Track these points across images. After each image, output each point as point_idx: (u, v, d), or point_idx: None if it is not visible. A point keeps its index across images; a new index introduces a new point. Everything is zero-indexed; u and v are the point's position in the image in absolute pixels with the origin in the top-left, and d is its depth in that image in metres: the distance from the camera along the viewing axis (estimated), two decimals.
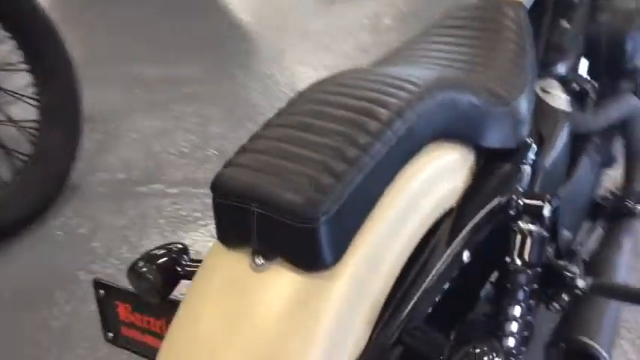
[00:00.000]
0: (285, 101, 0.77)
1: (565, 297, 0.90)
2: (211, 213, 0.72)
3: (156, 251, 0.92)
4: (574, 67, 1.24)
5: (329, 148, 0.67)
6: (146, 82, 2.78)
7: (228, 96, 2.66)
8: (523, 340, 0.83)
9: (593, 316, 0.90)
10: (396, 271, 0.71)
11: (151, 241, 1.89)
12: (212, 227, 0.95)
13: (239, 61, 2.97)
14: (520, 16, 1.05)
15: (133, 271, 0.88)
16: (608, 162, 1.39)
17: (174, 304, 0.86)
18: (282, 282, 0.65)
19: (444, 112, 0.76)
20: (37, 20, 2.01)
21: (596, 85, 1.25)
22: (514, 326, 0.82)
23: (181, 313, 0.71)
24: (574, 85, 1.26)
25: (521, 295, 0.84)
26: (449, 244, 0.77)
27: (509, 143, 0.88)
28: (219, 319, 0.66)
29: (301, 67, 2.87)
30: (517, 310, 0.82)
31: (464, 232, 0.78)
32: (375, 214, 0.68)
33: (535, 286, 0.85)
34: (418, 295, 0.73)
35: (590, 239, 1.23)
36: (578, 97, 1.27)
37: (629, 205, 1.28)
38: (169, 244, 0.92)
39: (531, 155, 0.91)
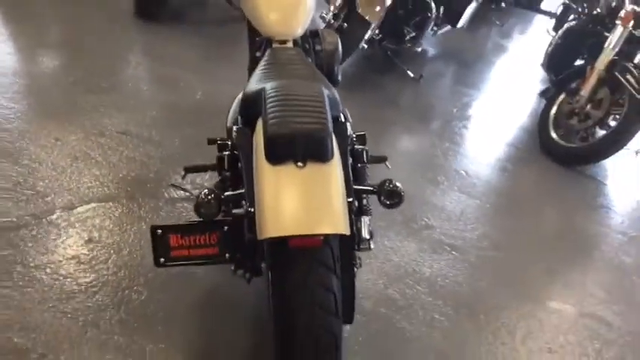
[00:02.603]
0: None
1: None
2: None
3: (206, 190, 1.59)
4: None
5: (314, 109, 1.55)
6: None
7: None
8: None
9: None
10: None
11: None
12: None
13: None
14: (301, 54, 2.07)
15: (201, 203, 1.55)
16: None
17: (215, 223, 1.61)
18: (313, 170, 1.51)
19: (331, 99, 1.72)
20: None
21: None
22: None
23: (265, 194, 1.46)
24: None
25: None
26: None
27: (339, 112, 1.87)
28: (291, 192, 1.48)
29: None
30: None
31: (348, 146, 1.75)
32: None
33: None
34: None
35: None
36: None
37: None
38: (208, 188, 1.61)
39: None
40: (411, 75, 4.41)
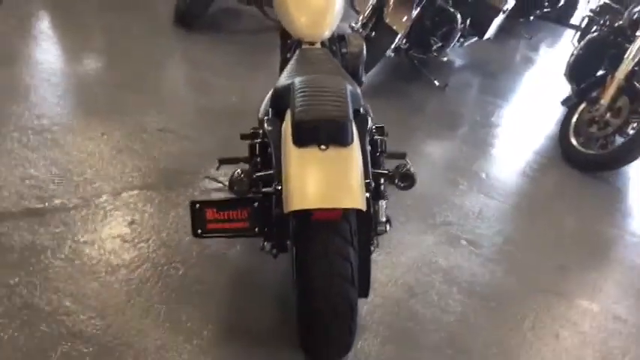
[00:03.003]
0: None
1: None
2: None
3: (239, 170, 1.81)
4: None
5: (337, 100, 1.76)
6: None
7: None
8: None
9: None
10: None
11: None
12: None
13: None
14: (328, 54, 2.29)
15: (234, 181, 1.77)
16: None
17: (246, 200, 1.82)
18: (334, 153, 1.72)
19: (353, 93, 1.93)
20: None
21: None
22: None
23: (292, 173, 1.67)
24: None
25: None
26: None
27: (360, 106, 2.08)
28: (315, 172, 1.69)
29: None
30: None
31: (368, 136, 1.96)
32: None
33: None
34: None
35: None
36: None
37: None
38: (241, 169, 1.83)
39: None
40: (437, 84, 4.60)
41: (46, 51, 3.79)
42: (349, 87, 1.88)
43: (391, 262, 2.59)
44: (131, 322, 2.01)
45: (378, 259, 2.57)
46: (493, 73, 5.35)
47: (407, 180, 1.84)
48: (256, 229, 1.85)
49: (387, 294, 2.41)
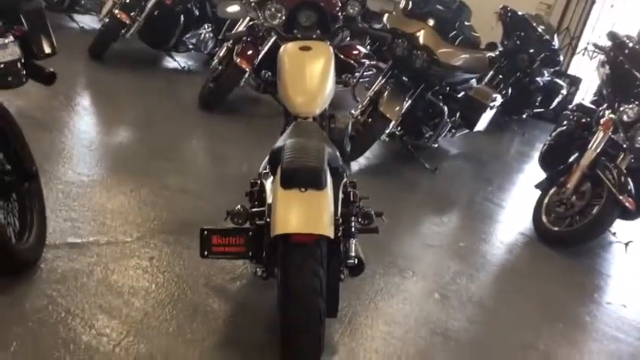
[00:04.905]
0: None
1: None
2: None
3: (239, 206, 2.38)
4: None
5: (315, 156, 2.34)
6: None
7: None
8: None
9: None
10: None
11: None
12: None
13: None
14: (317, 126, 2.90)
15: (234, 213, 2.34)
16: None
17: (243, 230, 2.39)
18: (311, 194, 2.27)
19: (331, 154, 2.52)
20: None
21: None
22: None
23: (278, 208, 2.23)
24: None
25: None
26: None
27: (338, 165, 2.66)
28: (295, 207, 2.25)
29: None
30: None
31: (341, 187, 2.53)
32: None
33: None
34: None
35: None
36: None
37: None
38: (241, 205, 2.41)
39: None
40: (427, 166, 5.21)
41: (88, 123, 4.50)
42: (328, 149, 2.47)
43: (368, 305, 3.09)
44: (147, 330, 2.52)
45: (357, 303, 3.06)
46: (483, 161, 5.97)
47: (366, 218, 2.39)
48: (250, 253, 2.39)
49: (363, 327, 2.89)
